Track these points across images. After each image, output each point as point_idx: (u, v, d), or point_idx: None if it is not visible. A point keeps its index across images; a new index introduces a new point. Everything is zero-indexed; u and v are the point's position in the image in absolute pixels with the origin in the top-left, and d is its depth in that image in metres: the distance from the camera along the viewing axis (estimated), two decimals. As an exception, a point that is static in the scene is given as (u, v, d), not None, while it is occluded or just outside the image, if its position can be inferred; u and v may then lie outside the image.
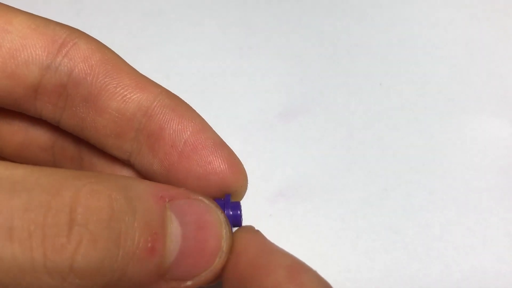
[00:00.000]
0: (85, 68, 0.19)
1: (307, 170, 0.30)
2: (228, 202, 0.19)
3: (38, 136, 0.22)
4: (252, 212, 0.28)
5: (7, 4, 0.19)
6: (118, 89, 0.19)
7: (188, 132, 0.20)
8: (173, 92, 0.21)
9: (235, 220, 0.19)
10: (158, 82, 0.21)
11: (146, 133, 0.20)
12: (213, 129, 0.21)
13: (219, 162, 0.19)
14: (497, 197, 0.29)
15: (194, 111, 0.20)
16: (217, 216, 0.18)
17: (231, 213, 0.19)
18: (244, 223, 0.24)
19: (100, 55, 0.19)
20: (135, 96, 0.19)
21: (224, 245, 0.17)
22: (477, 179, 0.30)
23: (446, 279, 0.26)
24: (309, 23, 0.37)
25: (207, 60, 0.35)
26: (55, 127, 0.21)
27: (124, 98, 0.19)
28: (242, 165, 0.20)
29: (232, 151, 0.20)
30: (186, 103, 0.21)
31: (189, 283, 0.17)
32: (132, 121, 0.20)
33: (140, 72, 0.20)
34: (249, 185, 0.21)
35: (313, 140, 0.31)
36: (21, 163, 0.22)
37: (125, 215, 0.15)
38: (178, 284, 0.17)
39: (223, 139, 0.20)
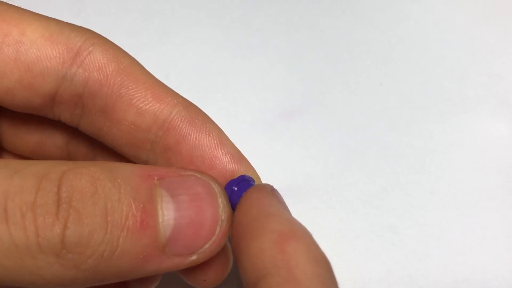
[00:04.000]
0: (100, 79, 0.19)
1: (307, 170, 0.30)
2: (239, 181, 0.19)
3: (54, 136, 0.22)
4: (252, 212, 0.28)
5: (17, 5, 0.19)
6: (133, 101, 0.19)
7: (205, 147, 0.19)
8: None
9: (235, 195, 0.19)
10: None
11: (163, 147, 0.19)
12: (231, 141, 0.20)
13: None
14: (497, 197, 0.29)
15: (212, 122, 0.20)
16: (211, 187, 0.17)
17: (235, 188, 0.19)
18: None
19: (116, 64, 0.19)
20: (151, 108, 0.19)
21: (223, 214, 0.17)
22: (477, 179, 0.30)
23: (446, 279, 0.26)
24: (309, 23, 0.37)
25: (207, 60, 0.35)
26: (70, 127, 0.21)
27: (139, 110, 0.19)
28: (260, 179, 0.21)
29: (250, 165, 0.20)
30: (204, 113, 0.20)
31: (194, 257, 0.17)
32: (148, 133, 0.19)
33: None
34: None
35: (313, 140, 0.31)
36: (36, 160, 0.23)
37: (109, 191, 0.16)
38: (183, 259, 0.17)
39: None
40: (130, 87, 0.19)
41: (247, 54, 0.35)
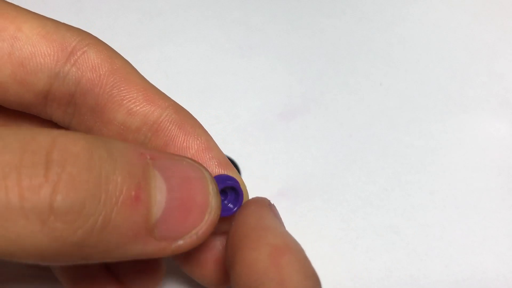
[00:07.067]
0: (92, 78, 0.19)
1: (307, 170, 0.30)
2: (227, 178, 0.19)
3: None
4: (252, 212, 0.28)
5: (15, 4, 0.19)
6: (124, 102, 0.19)
7: (193, 151, 0.19)
8: (173, 90, 0.21)
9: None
10: (158, 82, 0.21)
11: (151, 148, 0.20)
12: (219, 147, 0.20)
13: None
14: (497, 197, 0.29)
15: (201, 127, 0.20)
16: (202, 173, 0.17)
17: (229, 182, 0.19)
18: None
19: (109, 65, 0.19)
20: (142, 109, 0.19)
21: (212, 201, 0.17)
22: (477, 179, 0.30)
23: (446, 279, 0.26)
24: (309, 23, 0.37)
25: (207, 60, 0.34)
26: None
27: (130, 111, 0.19)
28: (245, 187, 0.20)
29: (237, 172, 0.20)
30: (194, 118, 0.20)
31: (180, 242, 0.17)
32: (137, 134, 0.19)
33: (141, 72, 0.20)
34: (249, 185, 0.21)
35: (313, 140, 0.31)
36: None
37: (105, 162, 0.15)
38: (169, 244, 0.16)
39: (227, 140, 0.20)
40: (122, 88, 0.19)
41: (247, 54, 0.35)
